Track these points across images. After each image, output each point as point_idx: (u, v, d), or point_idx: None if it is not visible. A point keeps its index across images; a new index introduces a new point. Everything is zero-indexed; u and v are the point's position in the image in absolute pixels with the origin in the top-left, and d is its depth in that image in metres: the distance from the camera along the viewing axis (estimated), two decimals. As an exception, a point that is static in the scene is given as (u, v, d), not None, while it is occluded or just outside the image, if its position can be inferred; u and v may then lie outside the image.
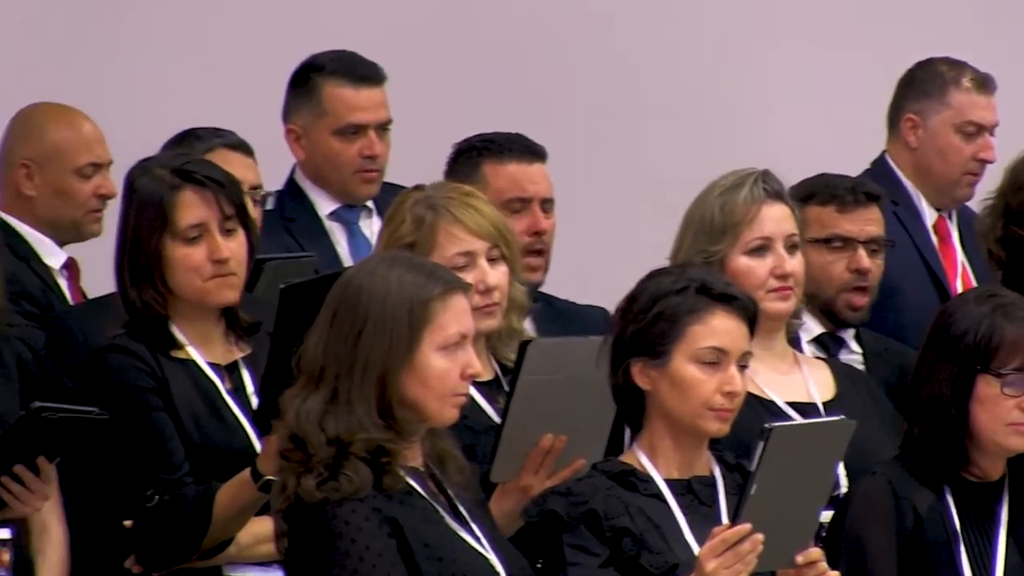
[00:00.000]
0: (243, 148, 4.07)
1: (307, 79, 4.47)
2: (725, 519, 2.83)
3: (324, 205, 4.48)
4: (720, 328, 2.87)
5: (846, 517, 3.14)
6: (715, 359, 2.85)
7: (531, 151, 3.99)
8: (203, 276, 3.14)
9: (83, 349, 3.42)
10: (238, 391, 3.20)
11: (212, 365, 3.19)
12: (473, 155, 3.97)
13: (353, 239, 4.42)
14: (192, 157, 3.35)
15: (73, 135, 4.22)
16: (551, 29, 5.66)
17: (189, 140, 4.00)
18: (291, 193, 4.50)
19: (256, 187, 4.04)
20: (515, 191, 3.92)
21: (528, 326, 3.41)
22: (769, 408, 3.30)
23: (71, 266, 4.20)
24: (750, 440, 2.81)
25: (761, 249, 3.37)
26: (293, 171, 4.51)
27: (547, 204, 4.00)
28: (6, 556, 2.95)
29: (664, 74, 5.70)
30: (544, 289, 3.98)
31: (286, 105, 4.49)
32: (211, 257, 3.13)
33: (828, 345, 4.06)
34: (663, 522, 2.86)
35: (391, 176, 4.46)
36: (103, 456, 3.15)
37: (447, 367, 2.68)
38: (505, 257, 3.25)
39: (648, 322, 2.85)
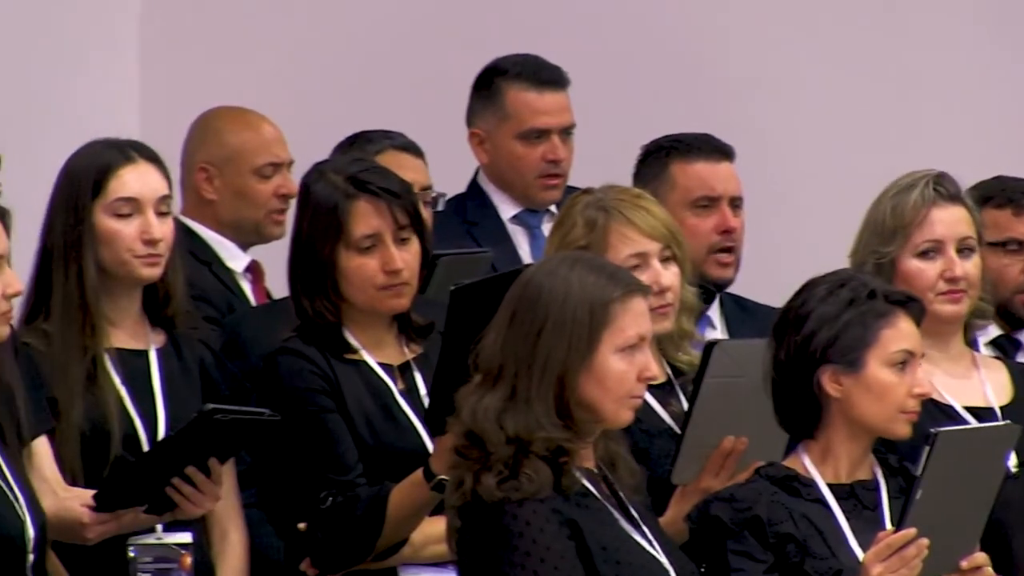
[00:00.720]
0: (413, 150, 4.08)
1: (490, 83, 4.48)
2: (888, 523, 2.82)
3: (506, 209, 4.48)
4: (907, 331, 2.88)
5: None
6: (905, 361, 2.86)
7: (719, 150, 4.00)
8: (376, 286, 3.16)
9: (256, 353, 3.45)
10: (410, 392, 3.21)
11: (384, 366, 3.21)
12: (661, 155, 3.97)
13: (535, 243, 4.42)
14: (368, 164, 3.36)
15: (251, 136, 4.24)
16: (726, 29, 5.64)
17: (360, 143, 4.03)
18: (473, 196, 4.51)
19: (426, 188, 4.05)
20: (704, 190, 3.93)
21: (717, 325, 3.41)
22: (947, 412, 3.25)
23: (254, 269, 4.22)
24: (917, 443, 2.81)
25: (931, 251, 3.33)
26: (476, 174, 4.53)
27: (736, 202, 3.99)
28: (188, 560, 2.98)
29: (851, 74, 5.66)
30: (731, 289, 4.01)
31: (469, 109, 4.50)
32: (384, 268, 3.15)
33: (1005, 347, 4.04)
34: (826, 527, 2.84)
35: (574, 180, 4.45)
36: (277, 459, 3.19)
37: (625, 369, 2.67)
38: (676, 258, 3.24)
39: (839, 330, 2.85)
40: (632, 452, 2.90)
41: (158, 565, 2.95)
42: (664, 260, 3.22)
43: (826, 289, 2.89)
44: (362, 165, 3.31)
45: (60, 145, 3.34)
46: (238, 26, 5.26)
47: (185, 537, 3.00)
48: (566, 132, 4.47)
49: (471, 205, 4.48)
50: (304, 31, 5.34)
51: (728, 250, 3.95)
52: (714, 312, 3.94)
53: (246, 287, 4.18)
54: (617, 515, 2.71)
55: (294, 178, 3.91)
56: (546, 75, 4.46)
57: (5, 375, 2.85)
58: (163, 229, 3.20)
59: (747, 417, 3.03)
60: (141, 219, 3.18)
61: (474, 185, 4.53)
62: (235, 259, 4.18)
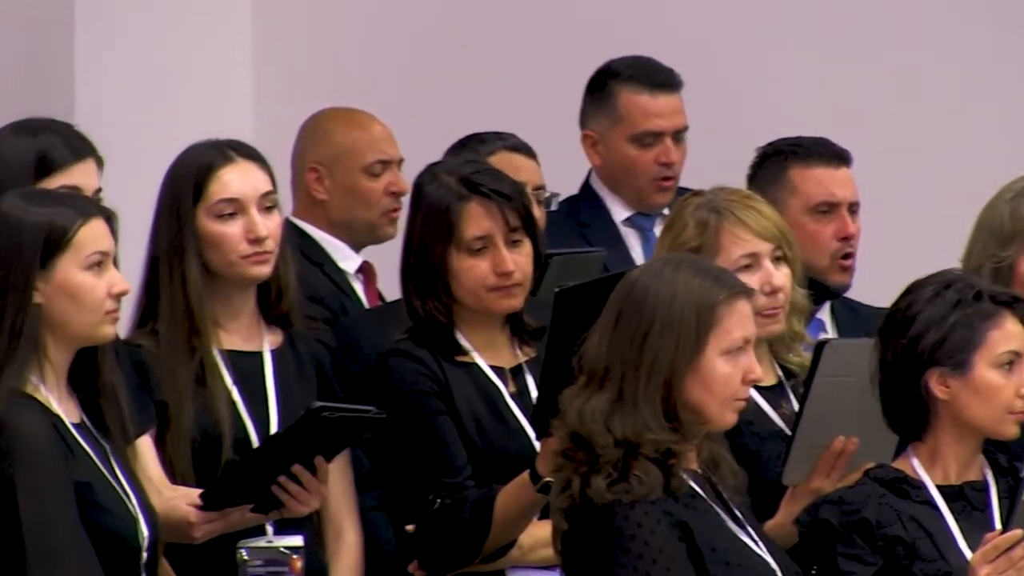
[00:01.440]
0: (526, 150, 4.09)
1: (603, 85, 4.47)
2: (998, 524, 2.80)
3: (619, 211, 4.47)
4: (1013, 331, 2.87)
5: None
6: (1012, 362, 2.85)
7: (838, 155, 3.95)
8: (487, 287, 3.16)
9: (369, 355, 3.44)
10: (521, 395, 3.20)
11: (495, 369, 3.21)
12: (780, 159, 3.93)
13: (647, 245, 4.40)
14: (480, 166, 3.36)
15: (359, 134, 4.26)
16: (855, 28, 5.58)
17: (473, 144, 4.04)
18: (586, 198, 4.51)
19: (539, 188, 4.05)
20: (823, 195, 3.89)
21: (828, 328, 3.38)
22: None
23: (366, 270, 4.24)
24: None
25: (1052, 254, 3.30)
26: (589, 176, 4.53)
27: (854, 208, 3.95)
28: (299, 564, 2.97)
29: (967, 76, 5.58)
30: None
31: (583, 111, 4.51)
32: (496, 270, 3.14)
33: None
34: (935, 529, 2.84)
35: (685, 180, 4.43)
36: (390, 461, 3.21)
37: (730, 372, 2.67)
38: (787, 259, 3.22)
39: (946, 332, 2.83)
40: (743, 455, 2.92)
41: (268, 568, 2.95)
42: (775, 260, 3.19)
43: (932, 291, 2.87)
44: (475, 167, 3.32)
45: (178, 147, 3.34)
46: (351, 27, 5.31)
47: (296, 540, 2.99)
48: (679, 135, 4.44)
49: (584, 207, 4.48)
50: (417, 31, 5.38)
51: (848, 256, 3.91)
52: (824, 314, 3.90)
53: (358, 288, 4.19)
54: (724, 516, 2.70)
55: (407, 178, 3.92)
56: (659, 77, 4.44)
57: (109, 375, 2.87)
58: (269, 225, 3.20)
59: (858, 417, 3.00)
60: (245, 219, 3.18)
61: (587, 187, 4.53)
62: (347, 260, 4.19)
